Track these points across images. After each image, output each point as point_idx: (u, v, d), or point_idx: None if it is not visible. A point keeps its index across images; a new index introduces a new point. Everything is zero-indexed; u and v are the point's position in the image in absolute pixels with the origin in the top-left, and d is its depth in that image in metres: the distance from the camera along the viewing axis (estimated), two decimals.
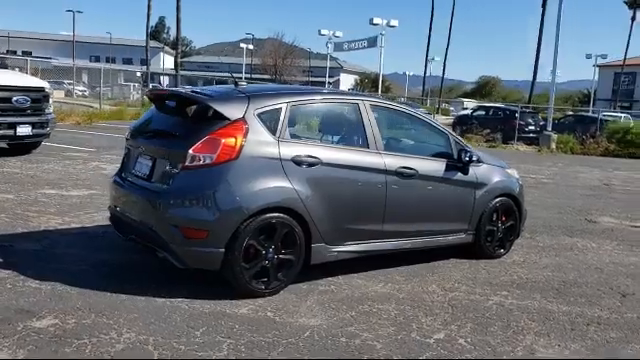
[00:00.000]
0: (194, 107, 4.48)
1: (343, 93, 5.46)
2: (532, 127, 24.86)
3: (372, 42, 39.71)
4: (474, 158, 5.51)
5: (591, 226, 8.13)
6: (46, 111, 10.59)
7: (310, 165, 4.51)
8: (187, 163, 4.21)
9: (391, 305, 4.42)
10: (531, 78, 43.25)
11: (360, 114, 4.96)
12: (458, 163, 5.49)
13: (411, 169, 5.11)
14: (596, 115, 26.73)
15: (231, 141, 4.24)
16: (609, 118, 27.22)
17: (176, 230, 4.18)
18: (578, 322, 4.33)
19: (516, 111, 25.08)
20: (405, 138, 5.24)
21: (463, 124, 26.45)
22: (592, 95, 61.85)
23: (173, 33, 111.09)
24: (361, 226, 4.88)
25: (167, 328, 3.74)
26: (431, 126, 5.59)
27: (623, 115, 32.10)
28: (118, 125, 19.35)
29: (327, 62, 46.18)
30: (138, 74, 32.05)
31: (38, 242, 5.41)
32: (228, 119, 4.30)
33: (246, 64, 64.00)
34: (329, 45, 43.70)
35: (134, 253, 5.29)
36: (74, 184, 8.40)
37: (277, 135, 4.46)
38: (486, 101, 61.57)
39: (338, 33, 43.76)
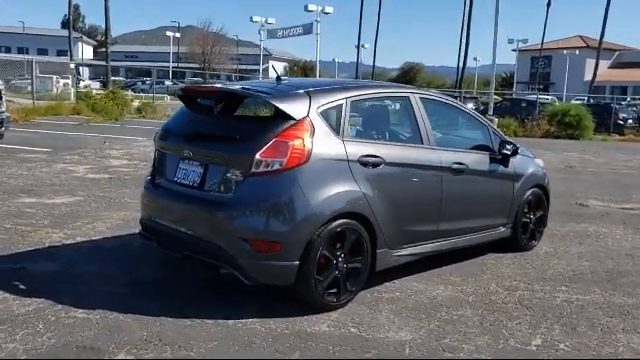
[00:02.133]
0: (252, 106, 4.04)
1: (392, 86, 5.16)
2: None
3: (307, 29, 39.17)
4: (514, 150, 5.36)
5: (586, 210, 8.25)
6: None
7: (375, 165, 4.19)
8: (254, 169, 3.78)
9: (467, 310, 4.19)
10: (450, 64, 44.40)
11: (412, 108, 4.68)
12: (499, 155, 5.33)
13: (462, 164, 4.89)
14: (531, 98, 27.69)
15: (300, 143, 3.84)
16: (544, 101, 28.29)
17: (245, 244, 3.75)
18: None
19: (458, 97, 25.51)
20: (450, 131, 5.00)
21: None
22: (514, 78, 64.33)
23: (89, 22, 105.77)
24: (419, 227, 4.62)
25: (259, 355, 3.34)
26: (472, 118, 5.38)
27: (550, 97, 33.57)
28: (59, 122, 18.08)
29: (260, 50, 45.25)
30: (72, 66, 30.06)
31: (51, 261, 4.78)
32: (293, 118, 3.89)
33: (173, 53, 61.79)
34: (262, 32, 42.78)
35: (165, 268, 4.81)
36: (52, 190, 7.61)
37: (341, 134, 4.10)
38: (413, 87, 62.64)
39: (271, 20, 42.94)
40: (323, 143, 3.94)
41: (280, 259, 3.77)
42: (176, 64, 59.63)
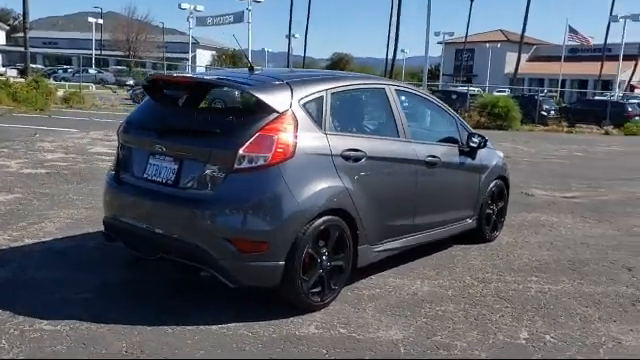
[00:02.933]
0: (229, 97, 3.80)
1: (368, 77, 5.02)
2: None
3: (238, 17, 38.43)
4: (481, 142, 5.38)
5: (533, 200, 8.50)
6: None
7: (356, 160, 4.07)
8: (236, 165, 3.56)
9: (449, 305, 4.16)
10: (377, 55, 45.05)
11: (388, 100, 4.58)
12: (467, 148, 5.34)
13: (435, 157, 4.86)
14: (462, 90, 28.46)
15: (284, 137, 3.65)
16: (474, 93, 29.16)
17: (228, 244, 3.53)
18: (623, 302, 4.40)
19: None
20: (421, 123, 4.95)
21: None
22: (440, 71, 66.00)
23: None
24: (397, 222, 4.54)
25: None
26: (442, 110, 5.35)
27: (477, 89, 34.66)
28: None
29: (189, 38, 44.03)
30: None
31: (1, 268, 4.36)
32: (276, 111, 3.69)
33: (95, 40, 58.98)
34: (190, 20, 41.65)
35: (130, 270, 4.52)
36: None
37: (323, 127, 3.94)
38: (387, 78, 63.13)
39: (199, 7, 41.83)
40: (306, 137, 3.77)
41: (266, 259, 3.58)
42: (99, 52, 57.03)
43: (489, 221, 5.85)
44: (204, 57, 72.45)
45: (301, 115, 3.80)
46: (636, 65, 50.15)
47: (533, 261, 5.34)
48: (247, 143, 3.55)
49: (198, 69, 51.15)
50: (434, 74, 78.60)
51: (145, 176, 3.93)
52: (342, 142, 4.01)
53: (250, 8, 37.46)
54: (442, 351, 3.44)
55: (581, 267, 5.24)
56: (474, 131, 5.55)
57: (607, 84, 57.76)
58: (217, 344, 3.35)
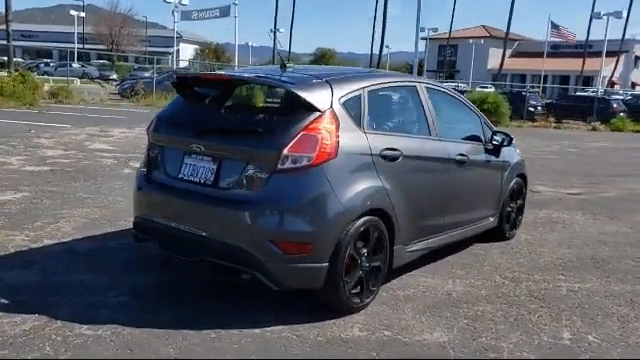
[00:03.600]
0: (270, 96, 3.72)
1: (399, 75, 4.96)
2: None
3: (225, 11, 38.15)
4: (505, 140, 5.37)
5: (540, 197, 8.52)
6: None
7: (393, 159, 4.01)
8: (280, 166, 3.48)
9: (486, 306, 4.13)
10: (357, 51, 45.12)
11: (419, 98, 4.54)
12: (491, 146, 5.32)
13: (464, 155, 4.83)
14: (451, 86, 28.50)
15: (328, 137, 3.58)
16: (463, 89, 29.27)
17: (273, 246, 3.45)
18: None
19: None
20: (448, 121, 4.90)
21: None
22: (424, 66, 66.16)
23: None
24: (429, 221, 4.50)
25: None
26: (467, 107, 5.32)
27: (463, 85, 34.85)
28: None
29: (174, 32, 43.45)
30: None
31: (26, 270, 4.23)
32: (318, 110, 3.62)
33: (77, 33, 57.98)
34: (175, 14, 41.19)
35: (161, 272, 4.43)
36: None
37: (362, 126, 3.88)
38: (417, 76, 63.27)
39: (184, 1, 41.37)
40: (348, 136, 3.71)
41: (310, 261, 3.52)
42: (81, 45, 56.15)
43: (509, 219, 5.84)
44: (187, 51, 71.82)
45: (341, 114, 3.74)
46: (617, 61, 50.85)
47: (556, 259, 5.34)
48: (291, 143, 3.48)
49: (181, 63, 50.64)
50: (418, 70, 78.70)
51: (181, 176, 3.83)
52: (380, 141, 3.96)
53: (237, 2, 37.22)
54: (491, 353, 3.41)
55: (604, 265, 5.25)
56: (496, 129, 5.53)
57: (588, 80, 58.52)
58: (264, 347, 3.28)
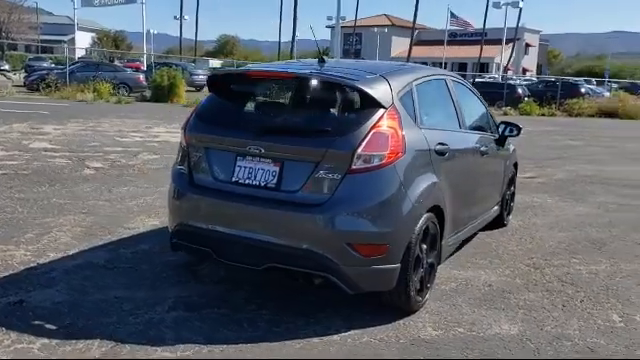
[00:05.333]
0: (328, 93, 3.57)
1: (430, 69, 4.87)
2: None
3: None
4: (515, 130, 5.49)
5: None
6: None
7: (443, 154, 3.99)
8: (353, 166, 3.34)
9: (529, 294, 4.23)
10: (259, 38, 44.95)
11: (449, 91, 4.55)
12: (497, 135, 5.43)
13: (486, 146, 4.91)
14: None
15: (395, 134, 3.49)
16: None
17: (350, 249, 3.32)
18: None
19: None
20: (468, 114, 4.94)
21: None
22: (331, 54, 66.75)
23: None
24: (463, 214, 4.54)
25: None
26: (479, 99, 5.38)
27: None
28: None
29: (75, 19, 40.66)
30: None
31: (52, 289, 3.80)
32: (383, 107, 3.51)
33: None
34: (74, 0, 38.63)
35: (200, 282, 4.12)
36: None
37: (416, 121, 3.81)
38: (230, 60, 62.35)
39: None
40: (409, 132, 3.62)
41: (385, 262, 3.42)
42: None
43: (506, 206, 6.02)
44: (84, 39, 67.87)
45: (401, 109, 3.65)
46: (513, 49, 54.02)
47: (559, 243, 5.57)
48: (364, 142, 3.35)
49: (78, 52, 47.71)
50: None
51: (235, 179, 3.58)
52: (432, 136, 3.91)
53: None
54: (565, 341, 3.49)
55: (602, 246, 5.55)
56: (503, 120, 5.66)
57: (484, 66, 61.77)
58: (353, 352, 3.18)
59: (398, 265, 3.47)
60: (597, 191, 8.44)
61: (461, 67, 63.53)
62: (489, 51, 59.17)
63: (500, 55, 55.96)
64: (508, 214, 6.17)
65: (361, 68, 3.90)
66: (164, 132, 12.35)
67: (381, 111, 3.49)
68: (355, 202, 3.36)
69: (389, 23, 72.39)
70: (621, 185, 9.05)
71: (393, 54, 69.68)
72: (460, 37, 67.81)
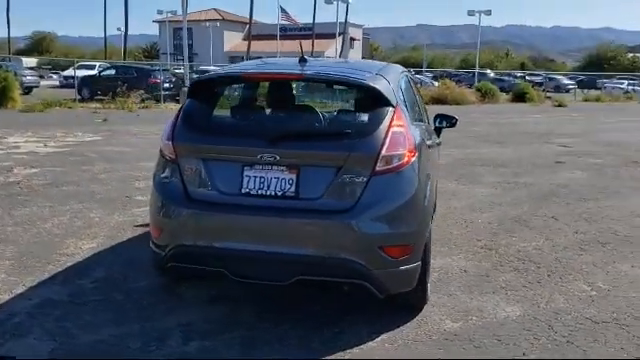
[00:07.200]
0: (346, 93, 3.44)
1: (395, 65, 4.80)
2: (167, 84, 24.73)
3: None
4: (454, 121, 5.71)
5: None
6: None
7: (431, 147, 4.08)
8: (378, 168, 3.26)
9: (503, 275, 4.48)
10: (73, 34, 42.42)
11: (411, 86, 4.63)
12: (436, 127, 5.64)
13: (434, 139, 5.08)
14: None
15: (409, 132, 3.48)
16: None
17: (381, 252, 3.26)
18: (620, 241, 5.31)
19: (150, 70, 24.53)
20: (422, 108, 5.06)
21: (92, 85, 24.15)
22: (158, 50, 64.51)
23: None
24: (433, 206, 4.65)
25: None
26: (418, 92, 5.52)
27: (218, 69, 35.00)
28: None
29: None
30: None
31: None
32: (392, 105, 3.47)
33: None
34: None
35: (191, 307, 3.75)
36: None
37: (409, 118, 3.83)
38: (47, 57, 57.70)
39: None
40: (411, 130, 3.63)
41: (409, 262, 3.39)
42: None
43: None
44: None
45: (402, 107, 3.65)
46: (344, 42, 56.63)
47: (489, 224, 5.94)
48: (386, 142, 3.28)
49: None
50: (152, 53, 76.52)
51: (246, 191, 3.30)
52: (421, 132, 3.97)
53: None
54: (565, 315, 3.76)
55: (526, 223, 6.04)
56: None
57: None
58: (404, 354, 3.14)
59: (419, 263, 3.48)
60: (481, 172, 9.13)
61: None
62: (320, 45, 61.33)
63: (330, 49, 58.32)
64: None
65: (354, 67, 3.83)
66: (23, 142, 10.98)
67: (391, 109, 3.45)
68: (383, 204, 3.29)
69: (220, 17, 71.53)
70: (495, 165, 9.87)
71: (226, 49, 69.18)
72: (290, 31, 69.21)
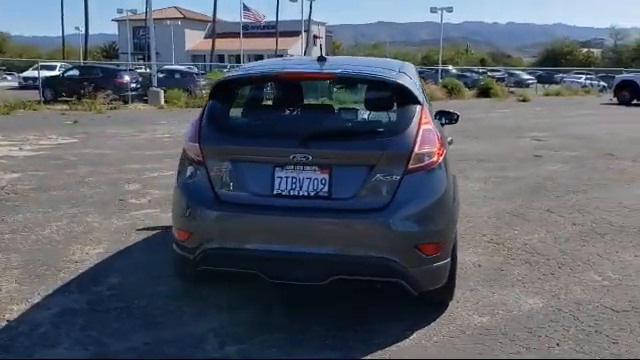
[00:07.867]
0: (376, 91, 3.43)
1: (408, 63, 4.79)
2: (134, 84, 24.24)
3: None
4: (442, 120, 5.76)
5: None
6: None
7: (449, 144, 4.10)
8: (411, 166, 3.27)
9: (517, 269, 4.55)
10: (25, 33, 41.40)
11: (420, 81, 4.64)
12: None
13: None
14: (183, 69, 28.13)
15: (434, 129, 3.49)
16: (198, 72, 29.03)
17: (416, 250, 3.26)
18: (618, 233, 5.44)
19: (117, 69, 24.03)
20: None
21: (56, 86, 23.53)
22: (117, 49, 63.35)
23: None
24: None
25: None
26: None
27: (185, 67, 34.63)
28: None
29: None
30: None
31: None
32: (419, 102, 3.49)
33: None
34: None
35: (220, 312, 3.68)
36: None
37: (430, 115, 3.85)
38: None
39: None
40: (436, 127, 3.65)
41: (441, 259, 3.41)
42: None
43: None
44: None
45: (427, 105, 3.66)
46: (308, 40, 56.56)
47: (489, 218, 6.06)
48: (418, 140, 3.29)
49: None
50: (110, 53, 75.03)
51: (278, 192, 3.26)
52: (441, 129, 3.98)
53: None
54: (586, 305, 3.84)
55: (523, 217, 6.15)
56: None
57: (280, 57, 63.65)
58: (443, 353, 3.15)
59: (449, 260, 3.50)
60: (467, 168, 9.23)
61: (258, 59, 63.99)
62: (284, 43, 61.19)
63: (294, 47, 58.26)
64: None
65: (375, 65, 3.81)
66: None
67: (419, 107, 3.46)
68: (417, 202, 3.29)
69: (181, 16, 70.53)
70: (478, 160, 10.02)
71: (188, 47, 68.33)
72: (252, 29, 68.74)
